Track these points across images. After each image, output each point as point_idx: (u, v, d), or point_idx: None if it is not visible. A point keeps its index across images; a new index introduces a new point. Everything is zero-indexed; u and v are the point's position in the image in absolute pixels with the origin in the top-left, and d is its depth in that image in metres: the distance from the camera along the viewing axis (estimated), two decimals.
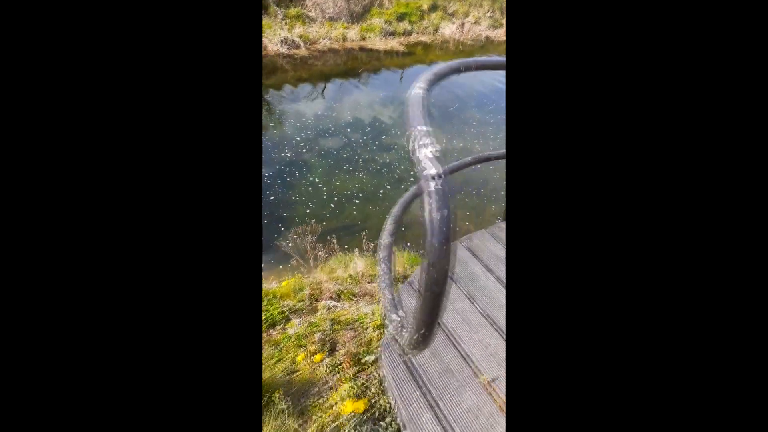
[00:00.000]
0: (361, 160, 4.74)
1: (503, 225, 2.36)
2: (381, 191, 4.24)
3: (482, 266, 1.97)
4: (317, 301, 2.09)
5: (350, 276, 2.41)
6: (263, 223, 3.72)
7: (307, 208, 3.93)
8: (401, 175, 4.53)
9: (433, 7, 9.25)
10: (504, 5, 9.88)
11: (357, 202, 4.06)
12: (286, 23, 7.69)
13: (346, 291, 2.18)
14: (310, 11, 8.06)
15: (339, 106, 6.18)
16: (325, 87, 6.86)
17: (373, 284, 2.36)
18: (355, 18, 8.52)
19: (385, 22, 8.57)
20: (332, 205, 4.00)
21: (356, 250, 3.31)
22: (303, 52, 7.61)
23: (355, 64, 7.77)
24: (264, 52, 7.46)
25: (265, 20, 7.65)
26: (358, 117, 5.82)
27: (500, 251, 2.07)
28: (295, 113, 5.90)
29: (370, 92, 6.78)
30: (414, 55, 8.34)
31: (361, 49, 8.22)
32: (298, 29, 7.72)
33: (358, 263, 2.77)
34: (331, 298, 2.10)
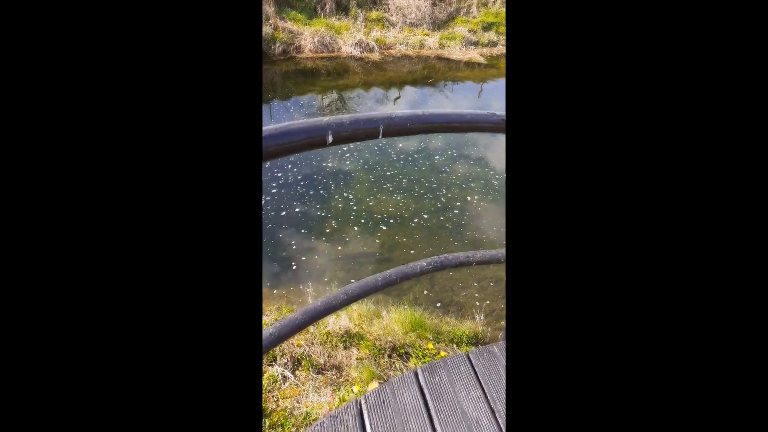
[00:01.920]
0: (404, 180, 4.30)
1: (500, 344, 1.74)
2: (416, 219, 3.75)
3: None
4: (271, 364, 1.71)
5: (328, 333, 1.99)
6: (277, 237, 3.50)
7: (328, 227, 3.62)
8: (445, 204, 3.98)
9: None
10: None
11: (384, 228, 3.63)
12: (364, 26, 7.56)
13: (311, 356, 1.77)
14: (392, 15, 7.83)
15: None
16: (398, 97, 6.55)
17: (353, 350, 1.91)
18: (438, 25, 8.06)
19: (469, 31, 7.96)
20: (356, 228, 3.63)
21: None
22: (376, 56, 7.40)
23: (429, 73, 7.33)
24: (337, 54, 7.41)
25: (343, 22, 7.62)
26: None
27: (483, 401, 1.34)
28: None
29: (437, 105, 6.29)
30: (495, 68, 7.61)
31: (438, 57, 7.74)
32: (376, 32, 7.53)
33: (353, 311, 2.35)
34: (287, 362, 1.70)
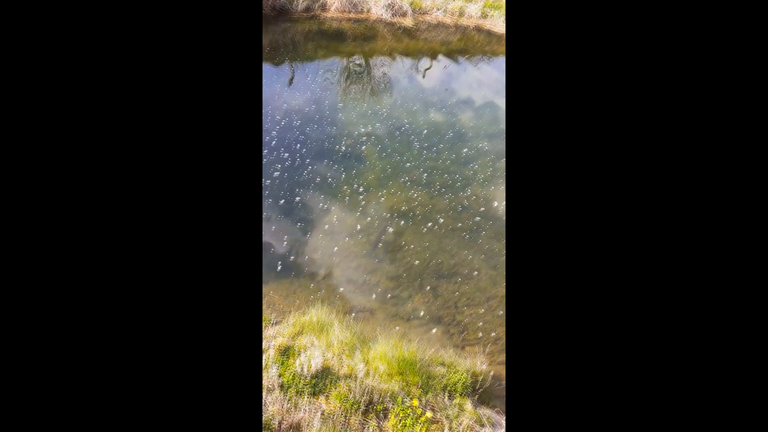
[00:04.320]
0: (425, 174, 3.88)
1: None
2: (429, 224, 3.39)
3: None
4: None
5: (295, 375, 1.75)
6: (275, 227, 3.24)
7: (327, 223, 3.32)
8: (466, 207, 3.57)
9: None
10: None
11: (391, 230, 3.30)
12: None
13: (263, 413, 1.53)
14: None
15: (425, 97, 5.24)
16: (429, 67, 5.92)
17: (320, 400, 1.67)
18: None
19: None
20: (359, 226, 3.31)
21: (352, 313, 2.61)
22: (408, 21, 6.68)
23: (465, 46, 6.59)
24: (366, 15, 6.72)
25: None
26: (438, 117, 4.84)
27: None
28: (369, 96, 5.18)
29: (466, 86, 5.66)
30: None
31: (478, 29, 6.91)
32: None
33: (337, 329, 2.08)
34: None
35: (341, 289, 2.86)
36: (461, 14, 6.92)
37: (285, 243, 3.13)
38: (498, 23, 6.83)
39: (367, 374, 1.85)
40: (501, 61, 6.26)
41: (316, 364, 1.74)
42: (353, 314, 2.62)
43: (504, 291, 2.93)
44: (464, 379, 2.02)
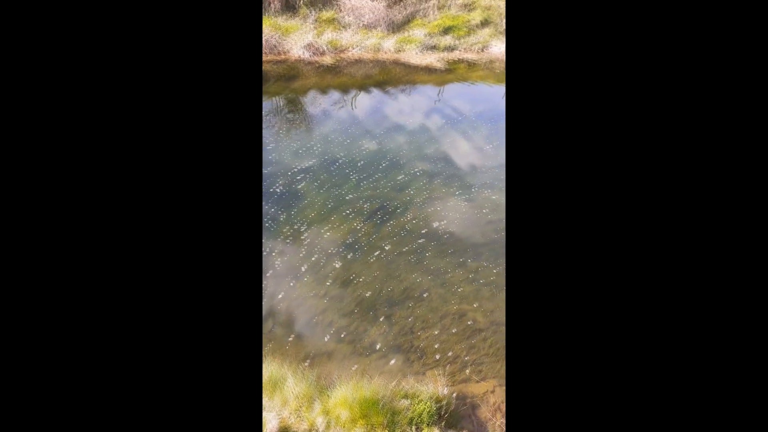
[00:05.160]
0: (366, 204, 3.92)
1: None
2: (376, 252, 3.40)
3: None
4: None
5: None
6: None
7: (270, 268, 3.18)
8: (409, 231, 3.66)
9: (485, 23, 8.23)
10: None
11: (338, 265, 3.25)
12: (315, 27, 7.05)
13: None
14: (345, 16, 7.37)
15: (353, 131, 5.40)
16: (356, 96, 6.12)
17: None
18: (394, 27, 7.72)
19: (427, 34, 7.70)
20: (304, 267, 3.22)
21: (306, 361, 2.49)
22: (328, 59, 6.93)
23: (386, 78, 6.98)
24: (285, 57, 6.85)
25: (293, 22, 7.06)
26: (371, 146, 4.99)
27: None
28: (301, 133, 5.21)
29: (393, 114, 5.96)
30: (454, 73, 7.41)
31: (395, 62, 7.40)
32: (328, 35, 7.05)
33: (289, 392, 1.95)
34: None
35: (291, 337, 2.71)
36: (378, 50, 7.37)
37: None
38: (412, 56, 7.38)
39: (328, 426, 1.75)
40: (423, 89, 6.73)
41: (271, 428, 1.61)
42: (307, 362, 2.49)
43: (455, 308, 3.02)
44: (429, 408, 2.00)
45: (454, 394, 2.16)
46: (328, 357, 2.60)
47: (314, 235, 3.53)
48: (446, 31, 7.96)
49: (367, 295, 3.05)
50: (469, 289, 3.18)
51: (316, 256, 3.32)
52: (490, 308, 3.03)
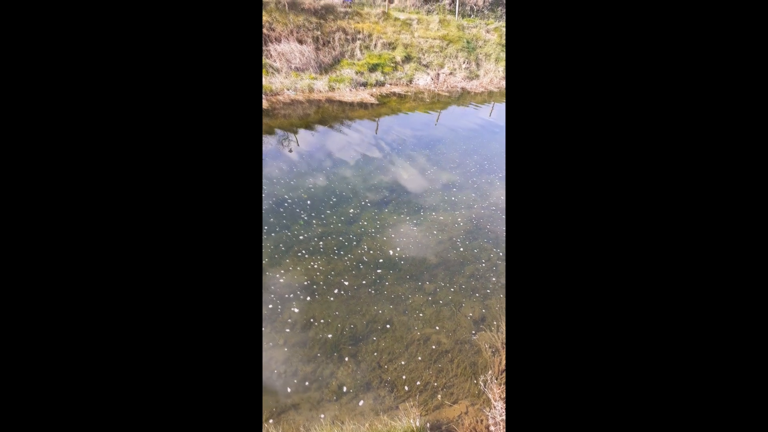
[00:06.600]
0: (321, 243, 3.88)
1: None
2: (335, 290, 3.34)
3: None
4: None
5: None
6: None
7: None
8: (366, 262, 3.66)
9: (407, 59, 8.91)
10: (478, 58, 9.68)
11: (296, 310, 3.15)
12: None
13: None
14: (274, 61, 7.53)
15: (297, 170, 5.40)
16: (296, 136, 6.14)
17: None
18: (324, 69, 8.04)
19: (356, 73, 8.11)
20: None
21: (270, 419, 2.33)
22: (264, 103, 6.97)
23: (323, 116, 7.16)
24: None
25: None
26: (319, 182, 5.02)
27: None
28: None
29: (335, 149, 6.09)
30: (387, 106, 7.83)
31: (329, 100, 7.66)
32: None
33: None
34: None
35: None
36: (311, 90, 7.58)
37: None
38: (345, 93, 7.69)
39: None
40: (360, 123, 6.99)
41: None
42: (271, 420, 2.33)
43: (418, 334, 3.05)
44: None
45: (428, 424, 2.15)
46: (295, 410, 2.46)
47: (269, 281, 3.40)
48: (373, 68, 8.46)
49: (329, 336, 2.97)
50: (430, 312, 3.24)
51: (271, 304, 3.19)
52: (451, 328, 3.10)
